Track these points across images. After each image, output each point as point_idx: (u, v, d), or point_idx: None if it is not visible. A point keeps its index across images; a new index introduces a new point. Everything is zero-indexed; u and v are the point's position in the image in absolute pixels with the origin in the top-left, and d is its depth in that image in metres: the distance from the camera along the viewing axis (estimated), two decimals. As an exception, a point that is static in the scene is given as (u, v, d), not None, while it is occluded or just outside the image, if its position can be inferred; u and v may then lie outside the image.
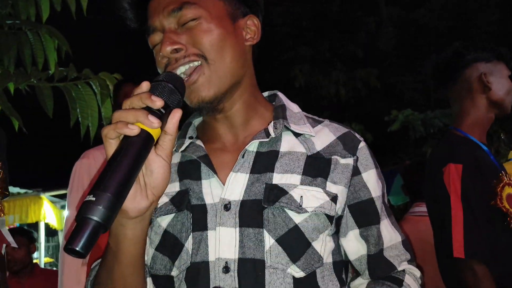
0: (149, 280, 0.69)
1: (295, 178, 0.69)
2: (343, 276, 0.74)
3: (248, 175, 0.69)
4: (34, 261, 3.36)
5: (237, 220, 0.67)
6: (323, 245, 0.69)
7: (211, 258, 0.66)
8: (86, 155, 1.67)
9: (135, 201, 0.58)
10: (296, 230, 0.67)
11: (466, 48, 1.45)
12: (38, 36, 1.73)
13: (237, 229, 0.66)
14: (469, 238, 1.21)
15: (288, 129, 0.73)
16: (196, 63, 0.68)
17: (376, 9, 6.47)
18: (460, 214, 1.24)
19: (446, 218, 1.26)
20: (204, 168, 0.71)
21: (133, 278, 0.65)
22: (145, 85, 0.59)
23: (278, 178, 0.69)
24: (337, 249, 0.73)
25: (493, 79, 1.40)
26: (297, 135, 0.74)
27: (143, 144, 0.54)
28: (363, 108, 6.58)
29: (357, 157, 0.74)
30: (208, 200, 0.69)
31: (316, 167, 0.71)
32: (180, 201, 0.70)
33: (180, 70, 0.68)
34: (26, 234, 3.05)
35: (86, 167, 1.62)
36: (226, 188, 0.68)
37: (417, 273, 0.77)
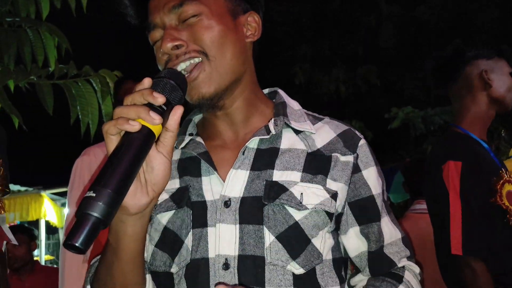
0: (148, 277, 0.70)
1: (295, 175, 0.69)
2: (343, 273, 0.74)
3: (248, 172, 0.69)
4: (35, 258, 3.37)
5: (237, 217, 0.67)
6: (322, 242, 0.69)
7: (211, 254, 0.66)
8: (86, 152, 1.68)
9: (135, 197, 0.58)
10: (296, 227, 0.67)
11: (466, 45, 1.45)
12: (38, 33, 1.73)
13: (237, 226, 0.67)
14: (467, 235, 1.21)
15: (288, 126, 0.74)
16: (196, 60, 0.68)
17: (376, 7, 6.46)
18: (458, 211, 1.24)
19: (445, 216, 1.26)
20: (204, 165, 0.71)
21: (133, 275, 0.65)
22: (146, 82, 0.58)
23: (278, 175, 0.69)
24: (337, 246, 0.73)
25: (494, 76, 1.40)
26: (297, 132, 0.74)
27: (144, 141, 0.54)
28: (363, 105, 6.57)
29: (357, 155, 0.74)
30: (208, 197, 0.69)
31: (316, 164, 0.71)
32: (180, 198, 0.70)
33: (181, 67, 0.68)
34: (26, 231, 3.05)
35: (87, 164, 1.62)
36: (226, 185, 0.69)
37: (417, 269, 0.77)
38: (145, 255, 0.69)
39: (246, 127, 0.74)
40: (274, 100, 0.79)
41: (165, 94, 0.57)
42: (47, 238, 6.96)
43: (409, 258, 0.77)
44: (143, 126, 0.54)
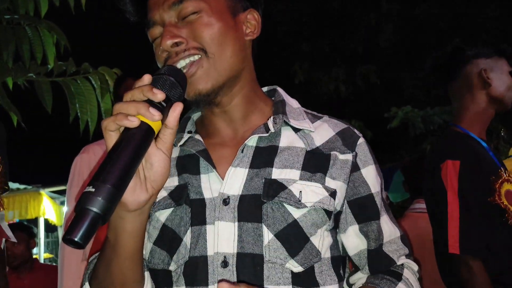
0: (147, 274, 0.69)
1: (294, 173, 0.69)
2: (341, 271, 0.74)
3: (247, 170, 0.69)
4: (34, 256, 3.37)
5: (236, 214, 0.67)
6: (321, 240, 0.69)
7: (210, 252, 0.66)
8: (86, 150, 1.67)
9: (134, 194, 0.58)
10: (295, 225, 0.67)
11: (466, 44, 1.44)
12: (36, 31, 1.72)
13: (236, 223, 0.67)
14: (465, 234, 1.22)
15: (287, 124, 0.73)
16: (196, 57, 0.68)
17: (376, 6, 6.45)
18: (456, 210, 1.25)
19: (443, 214, 1.27)
20: (203, 163, 0.71)
21: (131, 272, 0.65)
22: (146, 78, 0.58)
23: (277, 173, 0.69)
24: (335, 244, 0.73)
25: (494, 75, 1.40)
26: (296, 130, 0.74)
27: (143, 137, 0.54)
28: (362, 104, 6.57)
29: (356, 153, 0.74)
30: (207, 194, 0.69)
31: (315, 163, 0.71)
32: (179, 196, 0.70)
33: (181, 64, 0.68)
34: (25, 229, 3.05)
35: (86, 162, 1.62)
36: (225, 182, 0.68)
37: (415, 267, 0.78)
38: (144, 252, 0.69)
39: (245, 124, 0.74)
40: (273, 98, 0.79)
41: (164, 90, 0.57)
42: (46, 236, 6.96)
43: (407, 256, 0.78)
44: (143, 122, 0.54)
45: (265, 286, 0.65)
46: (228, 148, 0.73)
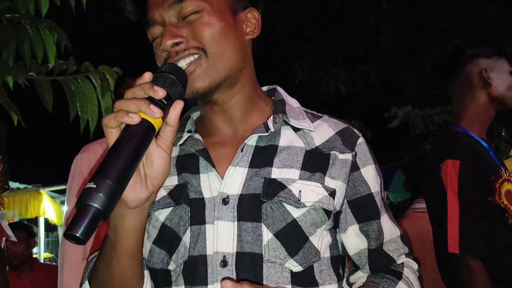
0: (146, 273, 0.70)
1: (294, 173, 0.69)
2: (340, 271, 0.74)
3: (247, 169, 0.69)
4: (34, 256, 3.37)
5: (235, 214, 0.67)
6: (320, 240, 0.69)
7: (209, 252, 0.66)
8: (86, 149, 1.67)
9: (135, 191, 0.58)
10: (294, 225, 0.67)
11: (466, 44, 1.44)
12: (37, 30, 1.72)
13: (235, 223, 0.67)
14: (464, 234, 1.22)
15: (287, 123, 0.73)
16: (196, 56, 0.68)
17: (376, 5, 6.45)
18: (456, 210, 1.25)
19: (443, 214, 1.27)
20: (202, 162, 0.71)
21: (131, 270, 0.65)
22: (147, 76, 0.59)
23: (277, 173, 0.69)
24: (335, 244, 0.73)
25: (494, 74, 1.40)
26: (296, 129, 0.74)
27: (144, 134, 0.54)
28: (363, 104, 6.57)
29: (356, 153, 0.74)
30: (206, 194, 0.69)
31: (315, 162, 0.71)
32: (178, 195, 0.70)
33: (181, 64, 0.67)
34: (26, 228, 3.05)
35: (87, 161, 1.62)
36: (224, 182, 0.68)
37: (415, 265, 0.78)
38: (143, 252, 0.69)
39: (244, 124, 0.74)
40: (273, 98, 0.79)
41: (165, 88, 0.57)
42: (46, 236, 6.96)
43: (407, 255, 0.78)
44: (143, 120, 0.54)
45: (262, 284, 0.65)
46: (228, 147, 0.72)
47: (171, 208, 0.69)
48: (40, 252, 5.81)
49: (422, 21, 6.19)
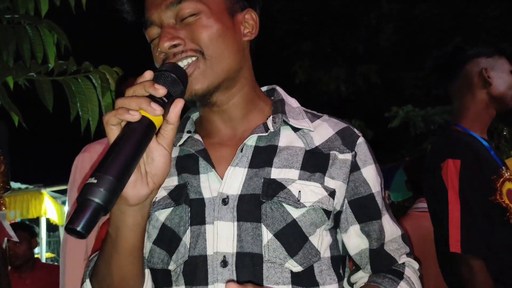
0: (147, 272, 0.70)
1: (294, 173, 0.69)
2: (341, 270, 0.74)
3: (246, 169, 0.69)
4: (35, 256, 3.37)
5: (235, 214, 0.67)
6: (320, 240, 0.69)
7: (209, 252, 0.66)
8: (87, 149, 1.67)
9: (135, 188, 0.58)
10: (293, 225, 0.67)
11: (467, 43, 1.44)
12: (37, 30, 1.72)
13: (235, 223, 0.67)
14: (466, 234, 1.22)
15: (286, 123, 0.73)
16: (194, 59, 0.68)
17: (376, 5, 6.45)
18: (457, 209, 1.24)
19: (444, 214, 1.27)
20: (202, 162, 0.71)
21: (131, 268, 0.65)
22: (148, 74, 0.59)
23: (276, 173, 0.69)
24: (335, 244, 0.73)
25: (494, 74, 1.39)
26: (295, 129, 0.74)
27: (144, 131, 0.54)
28: (363, 104, 6.57)
29: (356, 153, 0.74)
30: (206, 194, 0.69)
31: (315, 162, 0.71)
32: (178, 195, 0.70)
33: (180, 65, 0.67)
34: (27, 228, 3.06)
35: (88, 161, 1.62)
36: (224, 182, 0.69)
37: (416, 265, 0.78)
38: (144, 251, 0.69)
39: (244, 124, 0.74)
40: (272, 98, 0.78)
41: (166, 86, 0.58)
42: (48, 236, 6.98)
43: (408, 255, 0.78)
44: (144, 117, 0.55)
45: (264, 285, 0.65)
46: (228, 147, 0.73)
47: (171, 209, 0.70)
48: (42, 252, 5.82)
49: (422, 21, 6.18)
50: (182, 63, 0.67)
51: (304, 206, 0.67)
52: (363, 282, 0.75)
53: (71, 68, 1.74)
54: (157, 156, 0.59)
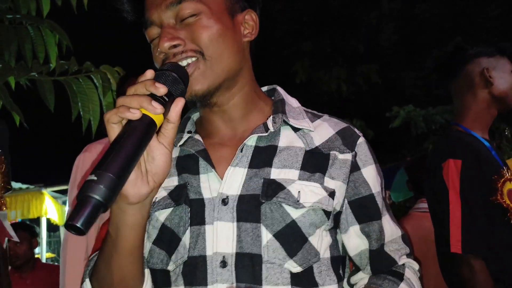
0: (147, 272, 0.70)
1: (293, 173, 0.69)
2: (341, 271, 0.74)
3: (246, 169, 0.69)
4: (36, 256, 3.38)
5: (235, 214, 0.67)
6: (319, 240, 0.69)
7: (209, 252, 0.66)
8: (88, 149, 1.67)
9: (136, 186, 0.58)
10: (293, 225, 0.67)
11: (468, 43, 1.44)
12: (39, 30, 1.72)
13: (235, 223, 0.67)
14: (467, 234, 1.21)
15: (287, 123, 0.73)
16: (194, 59, 0.68)
17: (377, 5, 6.44)
18: (458, 209, 1.24)
19: (445, 214, 1.26)
20: (202, 163, 0.71)
21: (131, 268, 0.65)
22: (149, 73, 0.59)
23: (276, 173, 0.69)
24: (335, 244, 0.73)
25: (496, 74, 1.39)
26: (296, 129, 0.74)
27: (145, 129, 0.55)
28: (364, 104, 6.57)
29: (356, 153, 0.73)
30: (206, 194, 0.69)
31: (314, 162, 0.71)
32: (178, 195, 0.70)
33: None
34: (28, 228, 3.06)
35: (89, 161, 1.61)
36: (224, 182, 0.68)
37: (416, 266, 0.78)
38: (144, 251, 0.69)
39: (244, 124, 0.74)
40: (273, 98, 0.78)
41: (167, 85, 0.58)
42: (48, 236, 6.98)
43: (408, 256, 0.77)
44: (145, 115, 0.55)
45: (264, 286, 0.65)
46: (228, 148, 0.72)
47: (171, 209, 0.70)
48: (42, 252, 5.83)
49: (423, 20, 6.18)
50: (182, 64, 0.67)
51: (304, 206, 0.67)
52: (363, 283, 0.75)
53: (73, 68, 1.74)
54: (158, 154, 0.59)
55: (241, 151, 0.70)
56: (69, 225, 0.48)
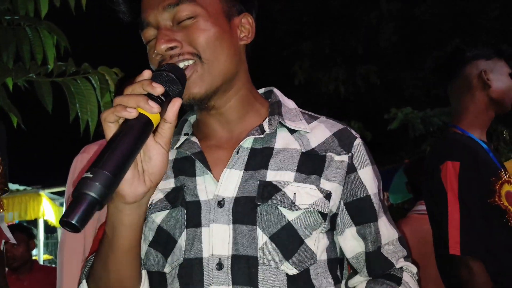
0: (144, 273, 0.69)
1: (289, 175, 0.69)
2: (338, 273, 0.73)
3: (242, 171, 0.69)
4: (33, 258, 3.36)
5: (231, 217, 0.67)
6: (316, 242, 0.69)
7: (205, 254, 0.66)
8: (86, 149, 1.66)
9: (132, 186, 0.58)
10: (289, 228, 0.67)
11: (466, 45, 1.45)
12: (37, 32, 1.72)
13: (231, 226, 0.66)
14: (465, 236, 1.21)
15: (283, 125, 0.73)
16: (191, 62, 0.67)
17: (376, 4, 6.46)
18: (456, 211, 1.24)
19: (443, 216, 1.26)
20: (198, 165, 0.71)
21: (128, 268, 0.65)
22: (146, 73, 0.60)
23: (272, 175, 0.69)
24: (332, 246, 0.73)
25: (493, 76, 1.39)
26: (292, 131, 0.73)
27: (142, 128, 0.55)
28: (362, 105, 6.58)
29: (352, 154, 0.73)
30: (202, 196, 0.69)
31: (310, 164, 0.71)
32: (175, 198, 0.70)
33: None
34: (25, 230, 3.05)
35: (86, 162, 1.61)
36: (220, 184, 0.68)
37: (414, 269, 0.77)
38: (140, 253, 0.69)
39: (241, 126, 0.74)
40: (269, 100, 0.78)
41: (164, 85, 0.58)
42: (46, 238, 6.96)
43: (406, 258, 0.77)
44: (141, 115, 0.55)
45: None
46: (224, 150, 0.72)
47: (167, 211, 0.69)
48: (40, 254, 5.80)
49: (422, 21, 6.19)
50: (179, 66, 0.67)
51: (299, 208, 0.67)
52: None
53: (70, 69, 1.73)
54: (155, 154, 0.59)
55: (237, 153, 0.70)
56: (64, 221, 0.48)
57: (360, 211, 0.73)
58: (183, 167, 0.72)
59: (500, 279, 1.23)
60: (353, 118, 5.59)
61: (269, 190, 0.68)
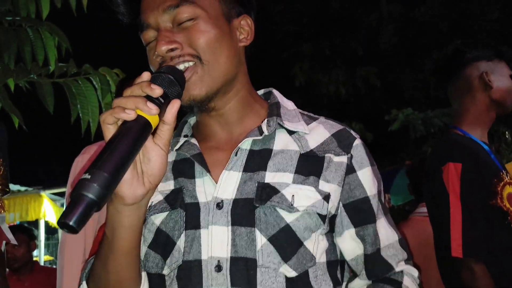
0: (144, 275, 0.69)
1: (288, 177, 0.69)
2: (338, 275, 0.73)
3: (240, 173, 0.69)
4: (34, 259, 3.36)
5: (229, 218, 0.67)
6: (315, 244, 0.68)
7: (204, 256, 0.66)
8: (86, 150, 1.66)
9: (131, 187, 0.58)
10: (287, 230, 0.67)
11: (466, 46, 1.45)
12: (38, 33, 1.73)
13: (229, 227, 0.66)
14: (468, 238, 1.21)
15: (282, 126, 0.73)
16: (191, 63, 0.68)
17: (376, 6, 6.46)
18: (458, 213, 1.24)
19: (445, 218, 1.26)
20: (197, 167, 0.71)
21: (128, 270, 0.65)
22: (145, 75, 0.60)
23: (270, 177, 0.69)
24: (332, 249, 0.72)
25: (494, 78, 1.40)
26: (291, 132, 0.73)
27: (140, 129, 0.55)
28: (363, 106, 6.58)
29: (351, 155, 0.73)
30: (201, 198, 0.69)
31: (309, 166, 0.70)
32: (174, 199, 0.70)
33: None
34: (26, 231, 3.05)
35: (86, 162, 1.61)
36: (218, 186, 0.68)
37: (415, 272, 0.76)
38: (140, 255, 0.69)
39: (240, 127, 0.74)
40: (268, 101, 0.78)
41: (163, 87, 0.59)
42: (47, 239, 6.96)
43: (406, 261, 0.76)
44: (140, 116, 0.55)
45: None
46: (224, 151, 0.72)
47: (166, 213, 0.69)
48: (41, 255, 5.80)
49: (422, 23, 6.20)
50: (179, 67, 0.67)
51: (298, 210, 0.67)
52: None
53: (72, 70, 1.74)
54: (154, 156, 0.59)
55: (236, 155, 0.70)
56: (62, 223, 0.48)
57: (358, 213, 0.73)
58: (183, 169, 0.72)
59: (502, 281, 1.23)
60: (353, 120, 5.58)
61: (268, 192, 0.67)
